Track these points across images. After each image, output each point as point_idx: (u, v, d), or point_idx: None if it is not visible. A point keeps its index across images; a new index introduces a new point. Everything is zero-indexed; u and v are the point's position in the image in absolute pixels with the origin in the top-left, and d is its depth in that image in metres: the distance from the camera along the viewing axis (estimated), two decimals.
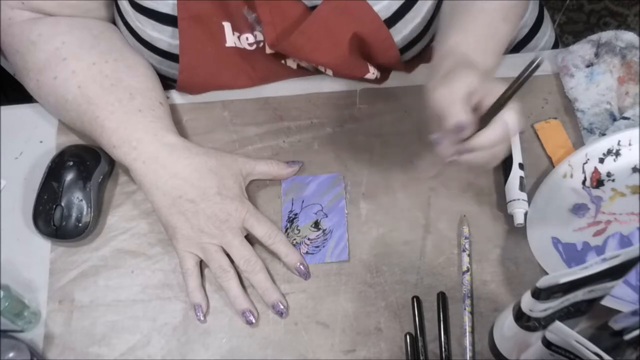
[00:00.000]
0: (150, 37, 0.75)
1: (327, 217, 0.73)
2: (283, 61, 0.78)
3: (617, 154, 0.71)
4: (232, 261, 0.70)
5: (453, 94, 0.56)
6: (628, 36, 0.77)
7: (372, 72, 0.77)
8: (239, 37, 0.75)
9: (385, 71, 0.80)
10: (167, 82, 0.80)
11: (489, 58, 0.65)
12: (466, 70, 0.58)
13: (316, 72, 0.80)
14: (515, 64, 0.80)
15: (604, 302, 0.52)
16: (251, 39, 0.75)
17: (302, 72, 0.80)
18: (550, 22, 0.98)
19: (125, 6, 0.74)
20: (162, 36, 0.74)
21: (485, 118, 0.57)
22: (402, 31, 0.75)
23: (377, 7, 0.72)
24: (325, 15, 0.70)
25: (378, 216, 0.73)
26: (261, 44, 0.75)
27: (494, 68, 0.67)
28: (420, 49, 0.80)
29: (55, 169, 0.74)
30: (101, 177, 0.75)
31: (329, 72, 0.79)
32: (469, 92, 0.57)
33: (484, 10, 0.66)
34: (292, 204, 0.74)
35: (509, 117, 0.56)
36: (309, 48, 0.72)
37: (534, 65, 0.53)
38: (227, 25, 0.74)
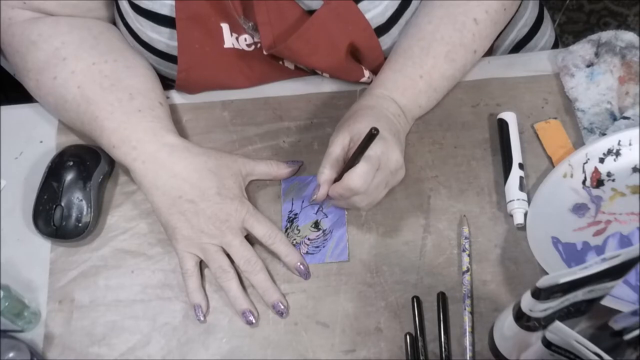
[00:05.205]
0: (149, 38, 0.75)
1: (327, 217, 0.73)
2: (281, 62, 0.78)
3: (618, 153, 0.71)
4: (232, 261, 0.70)
5: (329, 155, 0.67)
6: (628, 36, 0.76)
7: (367, 76, 0.77)
8: (237, 39, 0.75)
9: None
10: (167, 82, 0.80)
11: (420, 99, 0.73)
12: (344, 132, 0.67)
13: (313, 73, 0.80)
14: (515, 64, 0.80)
15: (604, 302, 0.52)
16: (249, 40, 0.75)
17: (299, 72, 0.80)
18: (550, 22, 0.98)
19: (126, 7, 0.74)
20: (161, 37, 0.74)
21: (342, 172, 0.66)
22: (394, 36, 0.75)
23: (371, 14, 0.72)
24: (324, 21, 0.70)
25: (378, 216, 0.73)
26: (259, 45, 0.75)
27: (426, 106, 0.74)
28: None
29: (55, 169, 0.74)
30: (101, 177, 0.75)
31: (326, 74, 0.79)
32: (343, 149, 0.67)
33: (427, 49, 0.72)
34: (292, 204, 0.74)
35: (350, 179, 0.65)
36: (306, 52, 0.72)
37: (370, 135, 0.61)
38: (225, 27, 0.74)
